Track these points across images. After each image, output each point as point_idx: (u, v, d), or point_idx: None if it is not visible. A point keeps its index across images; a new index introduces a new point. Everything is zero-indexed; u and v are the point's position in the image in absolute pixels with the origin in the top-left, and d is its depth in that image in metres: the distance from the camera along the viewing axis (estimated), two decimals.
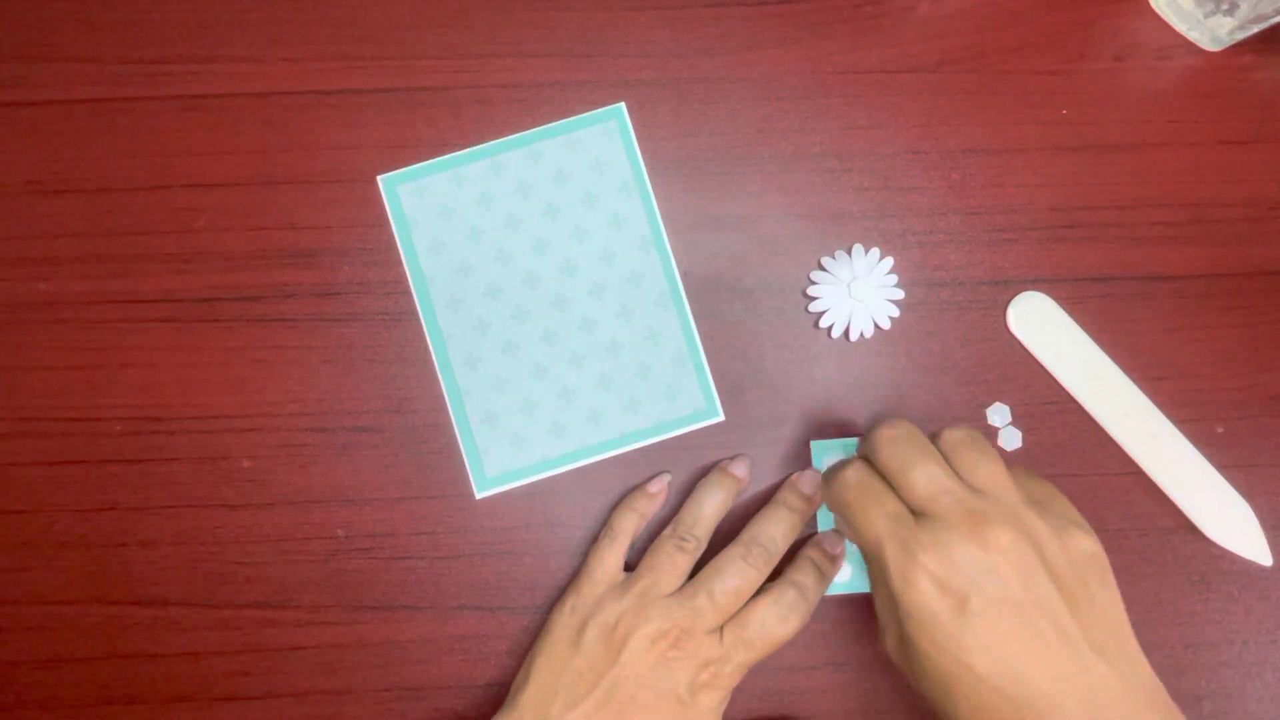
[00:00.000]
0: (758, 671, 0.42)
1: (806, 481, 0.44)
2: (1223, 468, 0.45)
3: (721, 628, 0.40)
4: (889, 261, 0.46)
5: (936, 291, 0.46)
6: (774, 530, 0.42)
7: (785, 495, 0.44)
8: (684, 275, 0.46)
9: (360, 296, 0.46)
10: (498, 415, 0.46)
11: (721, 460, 0.45)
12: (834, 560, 0.43)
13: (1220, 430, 0.46)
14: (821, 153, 0.47)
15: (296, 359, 0.46)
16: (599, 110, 0.47)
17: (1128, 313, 0.46)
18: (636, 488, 0.45)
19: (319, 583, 0.45)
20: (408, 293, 0.46)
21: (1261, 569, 0.45)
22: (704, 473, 0.45)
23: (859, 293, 0.45)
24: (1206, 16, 0.46)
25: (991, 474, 0.35)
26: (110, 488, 0.45)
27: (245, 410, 0.45)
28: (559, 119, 0.47)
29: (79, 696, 0.45)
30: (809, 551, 0.43)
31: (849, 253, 0.46)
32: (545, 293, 0.46)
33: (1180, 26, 0.48)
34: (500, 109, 0.47)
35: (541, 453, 0.45)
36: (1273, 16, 0.44)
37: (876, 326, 0.46)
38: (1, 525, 0.45)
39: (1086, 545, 0.34)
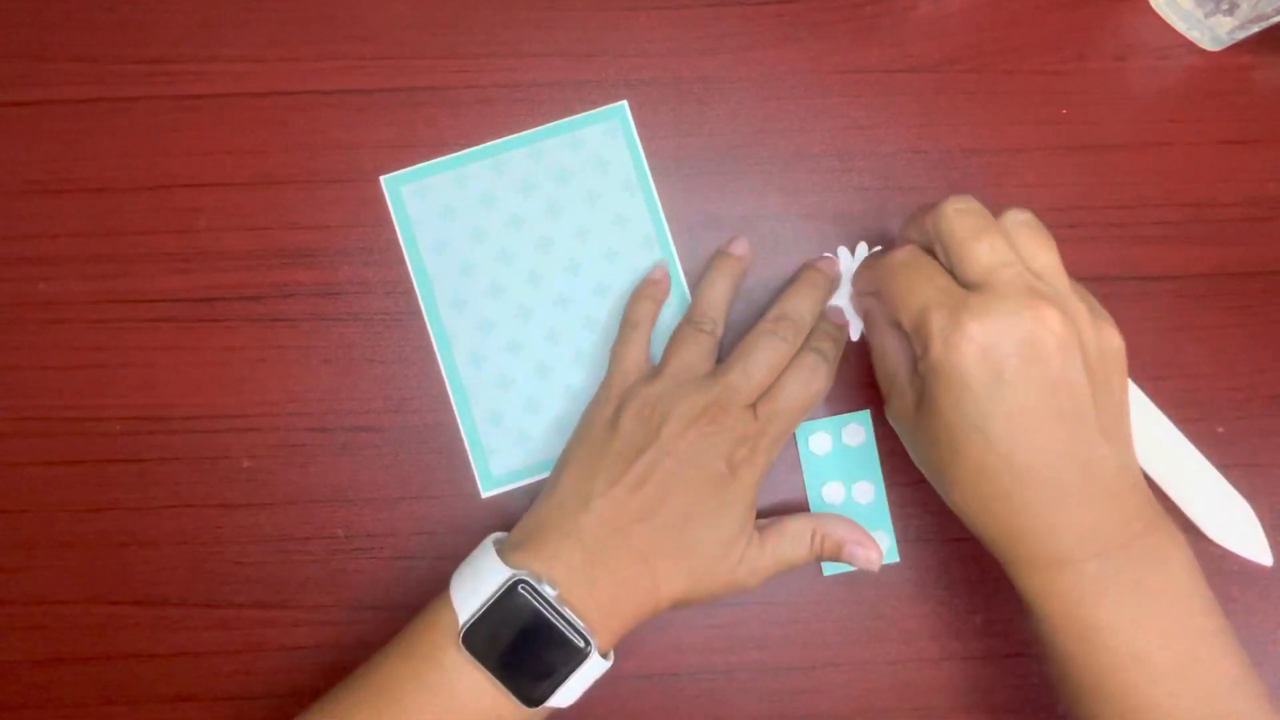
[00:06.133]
0: (758, 671, 0.42)
1: (827, 264, 0.45)
2: (1223, 468, 0.45)
3: (754, 405, 0.41)
4: None
5: None
6: (801, 304, 0.43)
7: (807, 273, 0.44)
8: (685, 275, 0.46)
9: (360, 296, 0.46)
10: (502, 414, 0.46)
11: (720, 245, 0.46)
12: (842, 329, 0.44)
13: (1220, 430, 0.46)
14: (821, 153, 0.47)
15: (296, 359, 0.46)
16: (601, 109, 0.47)
17: (1128, 313, 0.46)
18: (644, 279, 0.45)
19: (319, 583, 0.45)
20: (408, 292, 0.46)
21: (1261, 569, 0.45)
22: None
23: None
24: (1206, 16, 0.46)
25: (1048, 260, 0.37)
26: (110, 488, 0.45)
27: (245, 410, 0.45)
28: (560, 118, 0.47)
29: (79, 696, 0.44)
30: (821, 324, 0.44)
31: (850, 252, 0.46)
32: (548, 291, 0.46)
33: (1180, 26, 0.48)
34: (501, 109, 0.47)
35: (546, 451, 0.45)
36: (1273, 16, 0.44)
37: None
38: (1, 525, 0.45)
39: (1117, 341, 0.37)
